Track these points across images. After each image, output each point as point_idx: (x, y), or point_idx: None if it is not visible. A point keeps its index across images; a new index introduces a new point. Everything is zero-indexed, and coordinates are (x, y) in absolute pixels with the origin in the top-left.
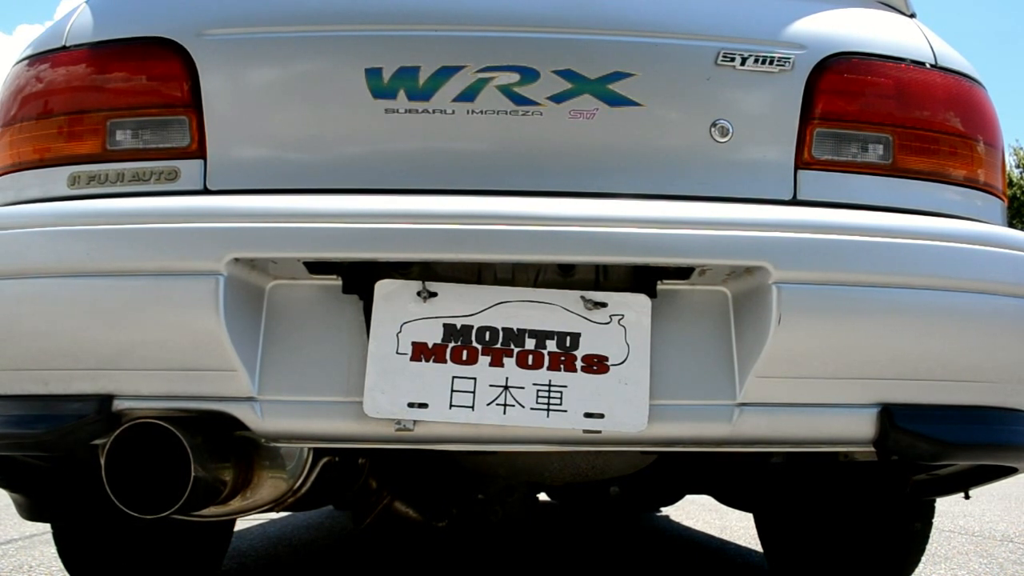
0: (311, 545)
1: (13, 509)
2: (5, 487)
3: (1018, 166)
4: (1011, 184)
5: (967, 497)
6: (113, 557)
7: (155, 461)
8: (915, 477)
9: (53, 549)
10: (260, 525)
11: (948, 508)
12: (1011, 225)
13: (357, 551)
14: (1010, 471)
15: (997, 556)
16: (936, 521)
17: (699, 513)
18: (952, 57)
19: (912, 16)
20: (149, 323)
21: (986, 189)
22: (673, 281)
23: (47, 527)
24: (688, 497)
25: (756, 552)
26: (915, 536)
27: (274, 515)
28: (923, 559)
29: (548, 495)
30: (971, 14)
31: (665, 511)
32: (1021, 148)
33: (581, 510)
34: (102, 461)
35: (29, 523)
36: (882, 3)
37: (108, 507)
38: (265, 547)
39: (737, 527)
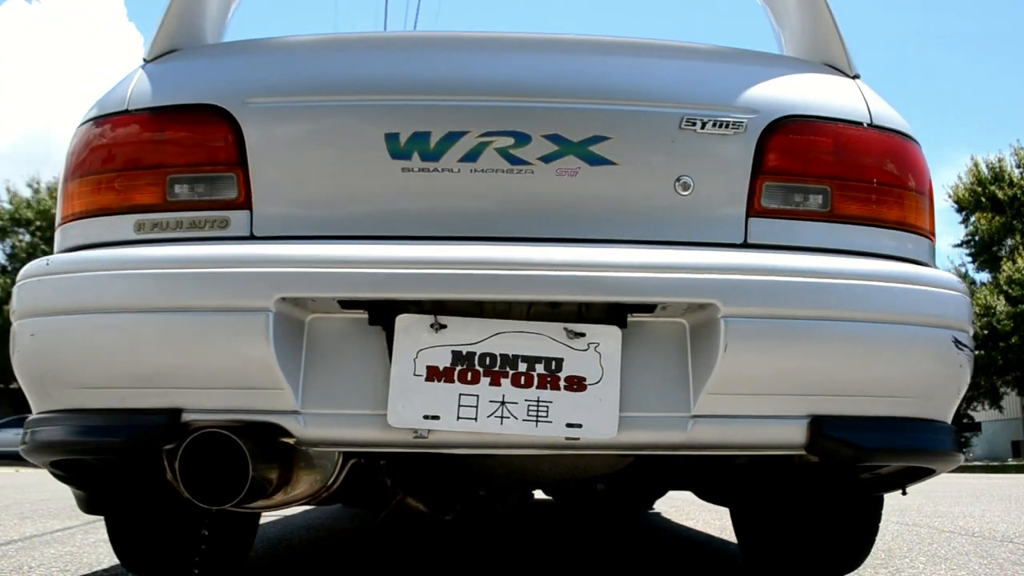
0: (325, 537)
1: (13, 510)
2: (72, 484)
3: (1018, 166)
4: (1011, 184)
5: (904, 493)
6: (158, 544)
7: (218, 463)
8: (861, 475)
9: (52, 550)
10: (281, 519)
11: (948, 509)
12: (1011, 226)
13: (367, 541)
14: (929, 471)
15: (997, 556)
16: (936, 522)
17: (699, 513)
18: (888, 116)
19: (855, 77)
20: (211, 350)
21: (915, 231)
22: (640, 314)
23: (47, 528)
24: (689, 497)
25: (732, 544)
26: (866, 526)
27: (297, 509)
28: (923, 559)
29: (545, 492)
30: (971, 14)
31: (658, 509)
32: (1021, 148)
33: (579, 508)
34: (176, 462)
35: (29, 524)
36: (829, 65)
37: (160, 501)
38: (280, 536)
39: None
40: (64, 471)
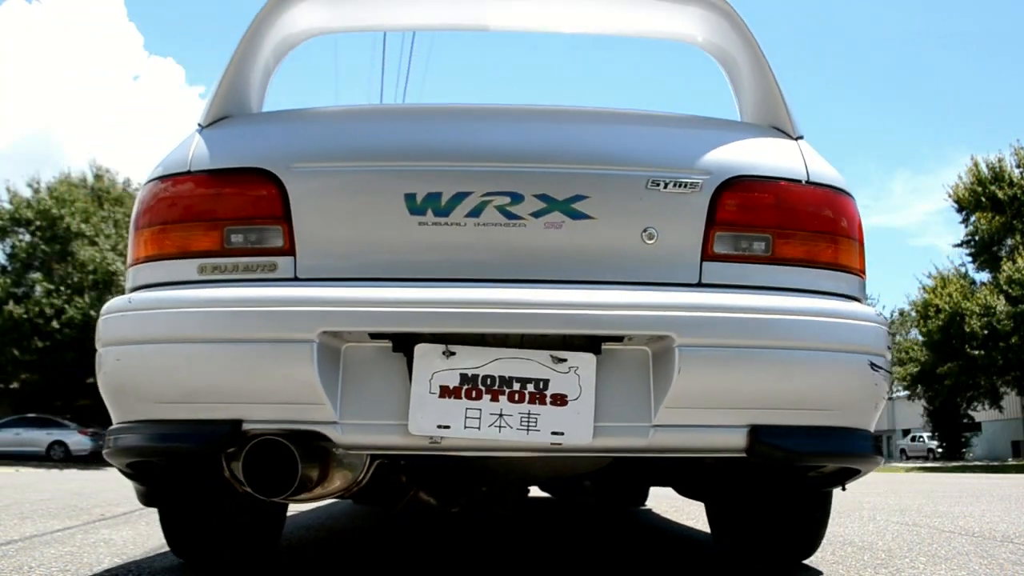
0: (326, 538)
1: (13, 510)
2: (138, 481)
3: (1019, 166)
4: (1011, 184)
5: (844, 489)
6: (202, 531)
7: (273, 463)
8: (808, 474)
9: (52, 550)
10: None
11: (948, 509)
12: (1011, 226)
13: (380, 536)
14: (855, 471)
15: (997, 556)
16: (936, 522)
17: (699, 513)
18: (824, 173)
19: (799, 138)
20: (267, 373)
21: (847, 271)
22: (612, 343)
23: (47, 528)
24: (680, 496)
25: (705, 532)
26: (818, 517)
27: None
28: (923, 560)
29: (541, 488)
30: (971, 14)
31: (650, 505)
32: (1021, 148)
33: (575, 505)
34: (239, 463)
35: (29, 524)
36: (775, 128)
37: (212, 497)
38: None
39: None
40: (133, 469)
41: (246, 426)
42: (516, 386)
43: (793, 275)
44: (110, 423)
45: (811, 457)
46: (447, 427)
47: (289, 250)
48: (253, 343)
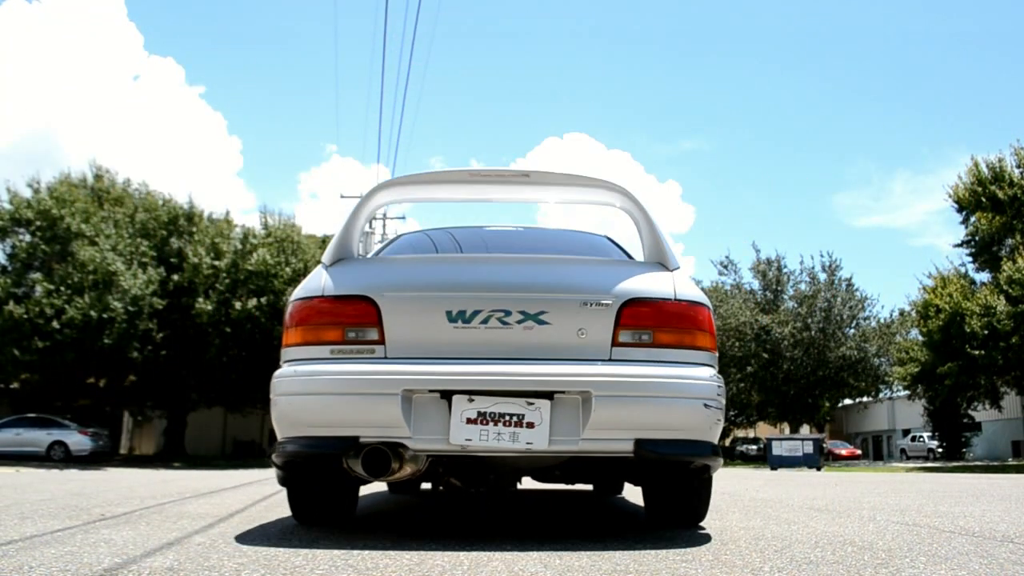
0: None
1: (13, 510)
2: (284, 471)
3: (1019, 166)
4: (1011, 184)
5: (708, 477)
6: (318, 504)
7: (377, 459)
8: (691, 467)
9: (52, 550)
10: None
11: (948, 509)
12: (1011, 226)
13: (412, 507)
14: (707, 465)
15: (997, 556)
16: (936, 522)
17: None
18: (687, 292)
19: (675, 270)
20: (373, 411)
21: (699, 349)
22: (559, 394)
23: (47, 528)
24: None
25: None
26: (703, 497)
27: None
28: (923, 560)
29: (528, 476)
30: (971, 14)
31: (624, 494)
32: (1022, 148)
33: (563, 493)
34: (358, 460)
35: (29, 524)
36: (660, 264)
37: (332, 479)
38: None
39: (738, 527)
40: (285, 464)
41: (362, 440)
42: (507, 418)
43: (665, 354)
44: (110, 423)
45: (672, 456)
46: (470, 439)
47: (381, 341)
48: (365, 395)
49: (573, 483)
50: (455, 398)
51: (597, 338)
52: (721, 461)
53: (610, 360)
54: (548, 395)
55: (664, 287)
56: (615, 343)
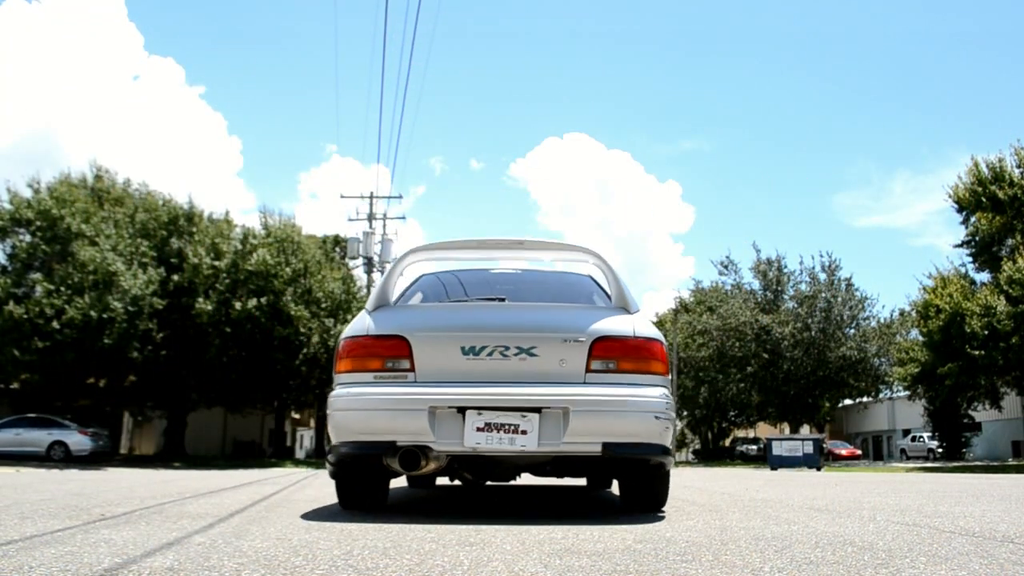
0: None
1: (13, 510)
2: (336, 467)
3: (1019, 166)
4: (1011, 184)
5: (668, 472)
6: (359, 494)
7: (411, 458)
8: (649, 463)
9: (52, 550)
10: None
11: (948, 509)
12: (1011, 226)
13: (429, 496)
14: (661, 462)
15: (997, 556)
16: (936, 522)
17: (699, 514)
18: (644, 330)
19: (635, 312)
20: (407, 422)
21: (654, 373)
22: (547, 409)
23: (47, 528)
24: (685, 497)
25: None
26: (663, 487)
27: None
28: (924, 560)
29: (525, 471)
30: (971, 14)
31: (613, 489)
32: (1022, 148)
33: (558, 489)
34: (396, 459)
35: (29, 524)
36: (623, 308)
37: (371, 474)
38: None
39: (738, 527)
40: (338, 462)
41: (398, 444)
42: (506, 426)
43: (626, 378)
44: (110, 423)
45: (629, 455)
46: (479, 443)
47: (412, 369)
48: (400, 410)
49: (561, 476)
50: (468, 412)
51: (574, 366)
52: (673, 460)
53: (584, 383)
54: (537, 410)
55: (625, 327)
56: (588, 370)
